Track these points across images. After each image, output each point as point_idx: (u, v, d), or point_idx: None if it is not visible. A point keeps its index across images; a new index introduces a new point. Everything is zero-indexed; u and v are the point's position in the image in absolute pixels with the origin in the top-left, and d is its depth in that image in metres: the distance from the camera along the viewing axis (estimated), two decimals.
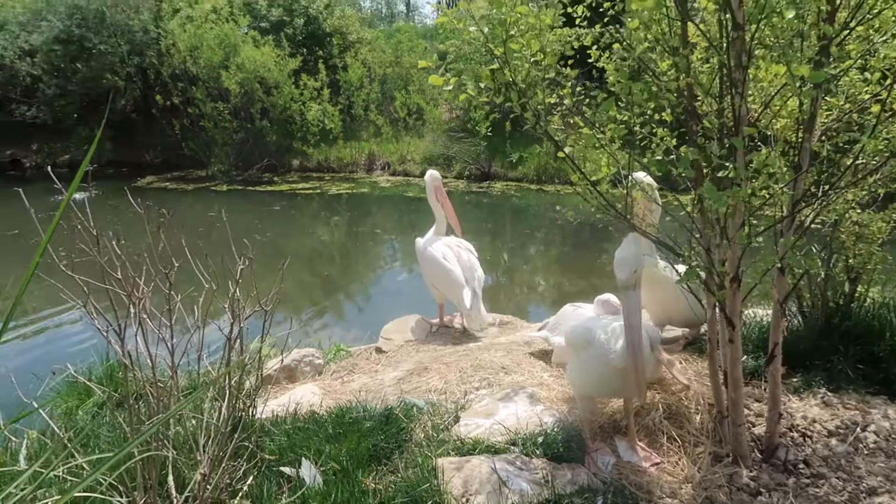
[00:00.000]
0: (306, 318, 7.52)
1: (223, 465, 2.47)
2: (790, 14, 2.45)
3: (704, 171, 2.74)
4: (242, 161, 16.76)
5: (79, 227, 2.22)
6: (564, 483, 2.59)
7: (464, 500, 2.48)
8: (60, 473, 2.37)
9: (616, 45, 2.71)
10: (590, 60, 2.81)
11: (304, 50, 18.00)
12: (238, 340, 2.56)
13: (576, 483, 2.61)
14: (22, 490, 1.81)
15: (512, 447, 2.83)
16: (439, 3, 26.21)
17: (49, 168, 2.43)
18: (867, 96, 2.79)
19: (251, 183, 15.85)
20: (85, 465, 2.30)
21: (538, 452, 2.79)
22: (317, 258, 10.54)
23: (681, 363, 3.59)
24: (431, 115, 17.79)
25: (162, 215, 2.56)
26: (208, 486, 2.44)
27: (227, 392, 2.51)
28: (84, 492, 2.29)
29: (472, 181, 15.73)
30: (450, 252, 4.74)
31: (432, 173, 4.95)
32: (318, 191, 15.01)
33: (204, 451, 2.54)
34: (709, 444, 2.93)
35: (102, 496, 2.22)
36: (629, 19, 2.51)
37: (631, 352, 2.61)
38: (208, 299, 2.62)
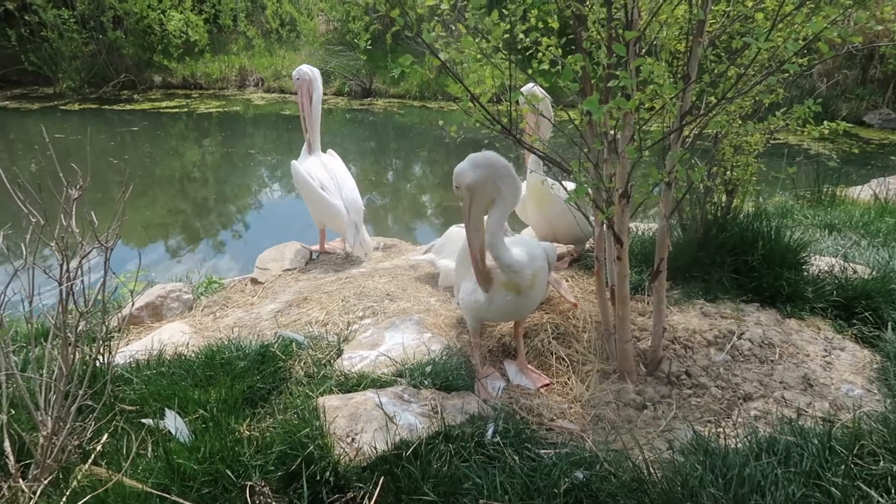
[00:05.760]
0: (175, 248, 6.97)
1: (68, 424, 2.15)
2: None
3: (592, 81, 2.60)
4: (95, 77, 15.08)
5: None
6: (455, 413, 2.48)
7: (349, 440, 2.32)
8: None
9: None
10: None
11: None
12: (75, 281, 2.19)
13: (466, 412, 2.50)
14: None
15: (399, 379, 2.69)
16: None
17: None
18: (751, 3, 2.70)
19: (107, 101, 14.34)
20: None
21: (427, 383, 2.66)
22: (188, 183, 9.79)
23: (567, 281, 3.55)
24: (306, 26, 16.69)
25: None
26: (52, 451, 2.13)
27: (64, 340, 2.16)
28: None
29: (352, 98, 15.06)
30: (327, 178, 4.38)
31: (300, 68, 4.46)
32: (185, 109, 13.83)
33: (46, 412, 2.21)
34: (596, 361, 2.92)
35: None
36: None
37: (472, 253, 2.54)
38: (36, 235, 2.22)
